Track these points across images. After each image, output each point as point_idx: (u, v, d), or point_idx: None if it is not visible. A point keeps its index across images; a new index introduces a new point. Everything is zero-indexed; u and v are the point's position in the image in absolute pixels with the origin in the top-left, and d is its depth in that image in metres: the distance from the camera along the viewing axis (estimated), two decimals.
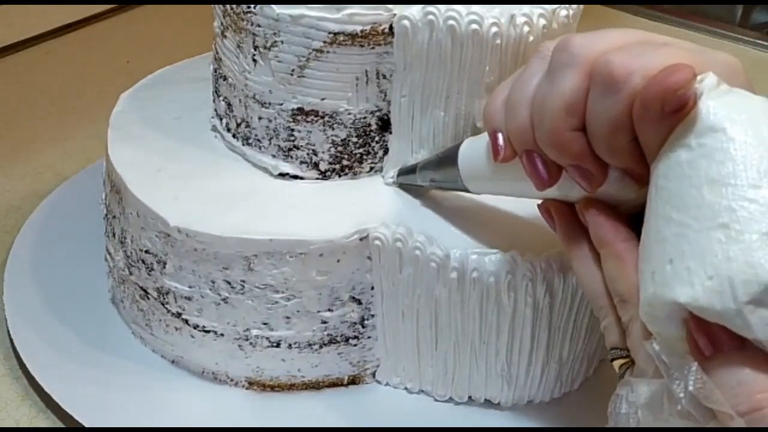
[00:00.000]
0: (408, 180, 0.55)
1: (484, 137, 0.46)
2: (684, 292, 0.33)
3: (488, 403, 0.56)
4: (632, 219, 0.41)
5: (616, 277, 0.39)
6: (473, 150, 0.48)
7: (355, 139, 0.55)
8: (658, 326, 0.35)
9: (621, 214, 0.41)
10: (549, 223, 0.45)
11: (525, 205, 0.53)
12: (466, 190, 0.50)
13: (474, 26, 0.49)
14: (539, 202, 0.46)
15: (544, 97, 0.39)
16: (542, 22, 0.51)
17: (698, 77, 0.35)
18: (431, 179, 0.52)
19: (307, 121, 0.54)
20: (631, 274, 0.39)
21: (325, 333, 0.54)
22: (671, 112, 0.35)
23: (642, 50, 0.36)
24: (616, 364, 0.40)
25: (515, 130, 0.41)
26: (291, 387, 0.57)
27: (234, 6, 0.53)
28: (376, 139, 0.55)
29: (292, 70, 0.52)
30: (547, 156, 0.41)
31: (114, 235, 0.58)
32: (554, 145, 0.39)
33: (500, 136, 0.43)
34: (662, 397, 0.35)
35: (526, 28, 0.50)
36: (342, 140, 0.55)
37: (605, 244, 0.40)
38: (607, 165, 0.39)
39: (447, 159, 0.50)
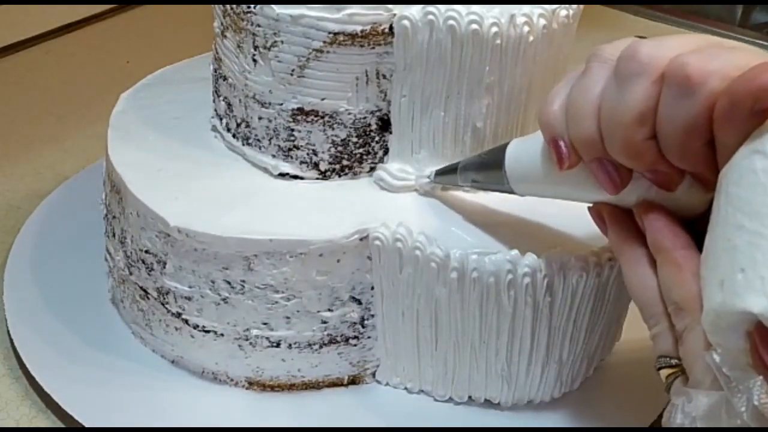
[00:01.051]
0: (447, 180, 0.54)
1: (534, 140, 0.45)
2: (757, 303, 0.32)
3: (488, 403, 0.56)
4: (689, 225, 0.41)
5: (672, 285, 0.39)
6: (523, 153, 0.47)
7: (355, 139, 0.55)
8: (720, 337, 0.35)
9: (679, 220, 0.41)
10: (600, 226, 0.45)
11: (525, 206, 0.54)
12: (511, 192, 0.49)
13: (474, 26, 0.49)
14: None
15: (614, 108, 0.39)
16: (542, 22, 0.51)
17: None
18: (473, 180, 0.51)
19: (307, 121, 0.54)
20: (688, 282, 0.38)
21: (325, 333, 0.54)
22: (762, 110, 0.34)
23: (716, 52, 0.36)
24: (664, 373, 0.40)
25: (582, 139, 0.41)
26: (291, 387, 0.57)
27: (234, 6, 0.53)
28: (376, 139, 0.55)
29: (292, 70, 0.52)
30: (617, 161, 0.40)
31: (114, 235, 0.58)
32: (628, 155, 0.39)
33: (562, 144, 0.42)
34: (720, 410, 0.34)
35: (526, 28, 0.50)
36: (342, 140, 0.55)
37: (663, 250, 0.40)
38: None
39: (492, 161, 0.49)
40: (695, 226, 0.41)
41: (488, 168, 0.50)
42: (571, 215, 0.53)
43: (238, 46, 0.54)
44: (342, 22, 0.50)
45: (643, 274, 0.41)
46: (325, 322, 0.54)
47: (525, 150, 0.47)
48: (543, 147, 0.44)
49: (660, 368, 0.40)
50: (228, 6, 0.54)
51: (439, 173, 0.54)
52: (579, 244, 0.51)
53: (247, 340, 0.54)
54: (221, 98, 0.58)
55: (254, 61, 0.53)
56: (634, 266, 0.42)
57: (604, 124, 0.39)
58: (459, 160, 0.53)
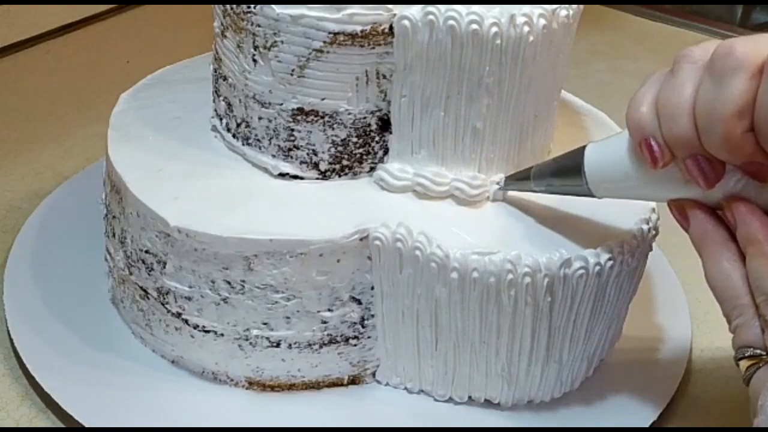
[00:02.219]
0: (518, 186, 0.54)
1: (616, 141, 0.46)
2: None
3: (488, 403, 0.56)
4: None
5: (763, 276, 0.41)
6: (605, 155, 0.48)
7: (355, 139, 0.55)
8: None
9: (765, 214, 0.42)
10: (681, 222, 0.46)
11: (525, 206, 0.54)
12: (589, 195, 0.49)
13: (474, 26, 0.49)
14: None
15: (712, 104, 0.40)
16: (542, 22, 0.51)
17: None
18: (548, 185, 0.52)
19: (307, 121, 0.54)
20: None
21: (325, 333, 0.54)
22: None
23: None
24: (744, 363, 0.42)
25: (677, 137, 0.42)
26: (291, 387, 0.57)
27: (234, 6, 0.53)
28: (376, 139, 0.55)
29: (292, 70, 0.52)
30: (712, 156, 0.41)
31: (114, 235, 0.58)
32: (728, 148, 0.40)
33: (654, 144, 0.43)
34: None
35: (526, 28, 0.50)
36: (342, 140, 0.55)
37: (755, 242, 0.42)
38: None
39: (569, 164, 0.50)
40: None
41: (565, 172, 0.50)
42: (570, 215, 0.53)
43: (238, 46, 0.54)
44: (342, 22, 0.50)
45: (727, 268, 0.43)
46: (325, 322, 0.54)
47: (606, 152, 0.47)
48: (628, 147, 0.45)
49: (740, 359, 0.42)
50: (228, 6, 0.54)
51: (510, 180, 0.54)
52: (579, 244, 0.51)
53: (247, 340, 0.54)
54: (221, 98, 0.58)
55: (254, 61, 0.53)
56: (718, 260, 0.43)
57: (702, 120, 0.41)
58: (530, 166, 0.53)
